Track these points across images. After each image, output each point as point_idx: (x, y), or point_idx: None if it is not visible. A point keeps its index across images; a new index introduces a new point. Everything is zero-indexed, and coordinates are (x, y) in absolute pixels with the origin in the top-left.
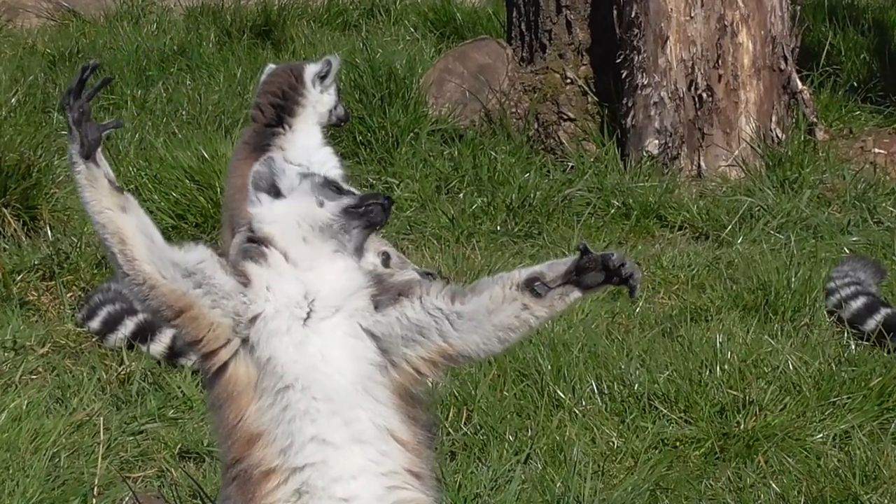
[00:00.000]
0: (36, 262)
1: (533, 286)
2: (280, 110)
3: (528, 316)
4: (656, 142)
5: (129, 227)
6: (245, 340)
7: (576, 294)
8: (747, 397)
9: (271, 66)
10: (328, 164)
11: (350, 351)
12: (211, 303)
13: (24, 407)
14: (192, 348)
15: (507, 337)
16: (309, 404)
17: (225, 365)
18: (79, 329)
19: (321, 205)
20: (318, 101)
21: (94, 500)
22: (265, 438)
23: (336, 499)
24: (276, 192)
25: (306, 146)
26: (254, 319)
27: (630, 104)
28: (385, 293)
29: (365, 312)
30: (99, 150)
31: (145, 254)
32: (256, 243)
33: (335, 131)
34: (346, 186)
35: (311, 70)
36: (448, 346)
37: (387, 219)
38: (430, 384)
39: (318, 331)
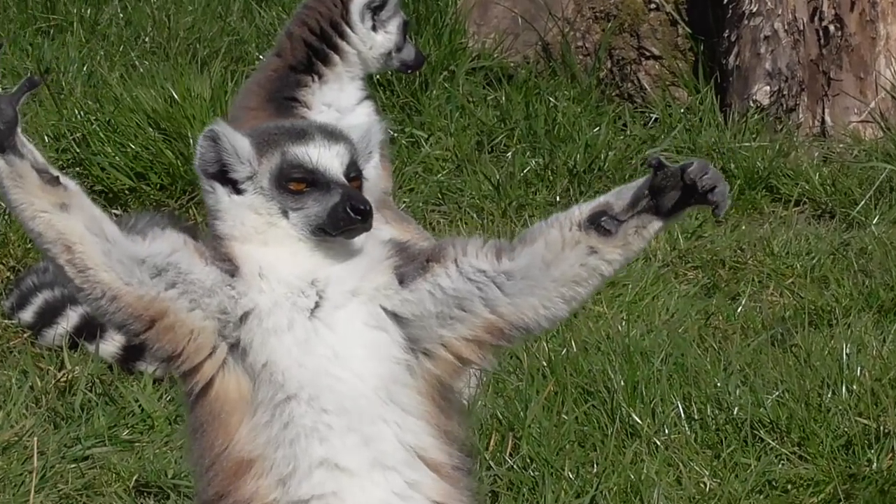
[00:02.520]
0: None
1: (599, 222)
2: (313, 52)
3: (597, 262)
4: (767, 88)
5: (74, 229)
6: (234, 345)
7: (656, 224)
8: (882, 428)
9: None
10: None
11: (371, 347)
12: (189, 304)
13: None
14: (170, 366)
15: (573, 294)
16: (317, 419)
17: (210, 380)
18: (6, 321)
19: (285, 214)
20: (370, 43)
21: None
22: (259, 466)
23: None
24: (232, 184)
25: (337, 105)
26: (245, 317)
27: (733, 38)
28: (411, 262)
29: (388, 290)
30: (18, 131)
31: (101, 259)
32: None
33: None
34: (329, 174)
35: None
36: (497, 317)
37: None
38: (471, 384)
39: (331, 324)
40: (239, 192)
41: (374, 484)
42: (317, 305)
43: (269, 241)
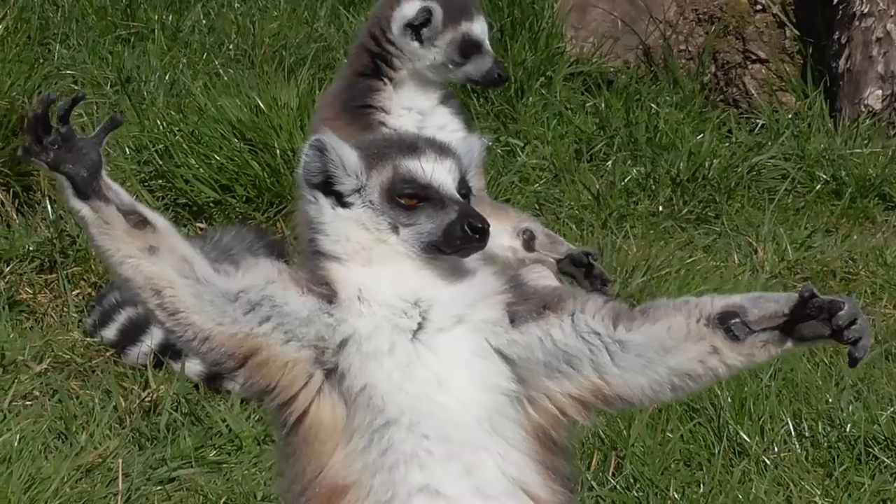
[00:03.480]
0: (31, 248)
1: (729, 324)
2: (376, 57)
3: (716, 363)
4: (879, 92)
5: (163, 274)
6: (331, 370)
7: (786, 345)
8: None
9: None
10: (447, 128)
11: (477, 375)
12: (284, 336)
13: (16, 444)
14: (264, 399)
15: (683, 385)
16: (417, 445)
17: (306, 409)
18: (88, 339)
19: (395, 230)
20: (417, 56)
21: None
22: (355, 492)
23: None
24: (336, 196)
25: (417, 107)
26: (344, 343)
27: (844, 40)
28: (524, 302)
29: (497, 327)
30: (103, 174)
31: (191, 302)
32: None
33: None
34: (443, 190)
35: (400, 15)
36: (604, 383)
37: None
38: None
39: (434, 347)
40: (344, 205)
41: None
42: (419, 327)
43: (372, 259)
